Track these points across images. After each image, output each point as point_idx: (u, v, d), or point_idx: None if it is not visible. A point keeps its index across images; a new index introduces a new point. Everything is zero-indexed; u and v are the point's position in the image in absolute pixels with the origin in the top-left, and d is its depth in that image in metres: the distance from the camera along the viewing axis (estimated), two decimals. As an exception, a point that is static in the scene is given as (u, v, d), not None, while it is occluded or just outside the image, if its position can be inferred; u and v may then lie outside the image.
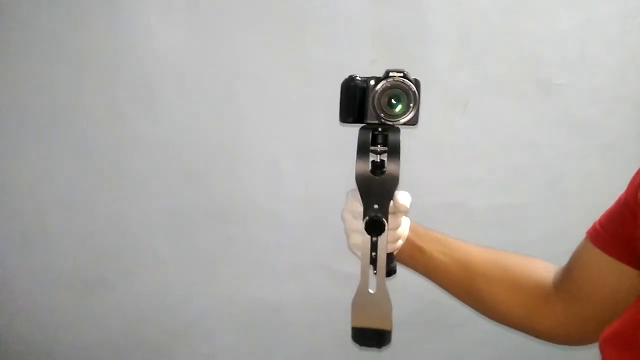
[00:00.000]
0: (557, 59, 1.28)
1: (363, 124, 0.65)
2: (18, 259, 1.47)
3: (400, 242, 0.69)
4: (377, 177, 0.60)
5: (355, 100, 0.64)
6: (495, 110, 1.31)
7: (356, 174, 0.60)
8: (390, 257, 0.71)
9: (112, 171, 1.39)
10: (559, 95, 1.29)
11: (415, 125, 0.65)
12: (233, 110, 1.33)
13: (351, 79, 0.66)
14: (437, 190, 1.37)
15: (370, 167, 0.60)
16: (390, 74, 0.62)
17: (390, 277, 0.70)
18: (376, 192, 0.60)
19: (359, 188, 0.61)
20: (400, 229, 0.68)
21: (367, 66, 1.27)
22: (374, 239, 0.60)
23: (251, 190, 1.38)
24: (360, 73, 1.30)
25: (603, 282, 0.61)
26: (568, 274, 0.66)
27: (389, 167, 0.60)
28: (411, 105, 0.61)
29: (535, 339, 0.70)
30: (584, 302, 0.64)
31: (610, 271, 0.60)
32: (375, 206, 0.60)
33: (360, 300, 0.61)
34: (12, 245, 1.46)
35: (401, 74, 0.62)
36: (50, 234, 1.44)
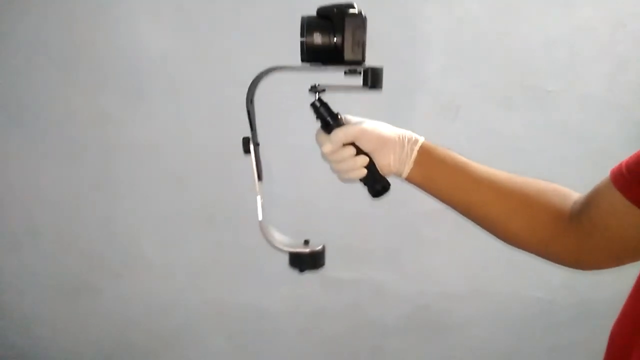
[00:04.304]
0: (548, 66, 1.28)
1: None
2: (6, 262, 1.45)
3: (361, 172, 0.73)
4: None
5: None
6: (487, 117, 1.32)
7: None
8: (373, 177, 0.75)
9: (101, 175, 1.38)
10: (550, 102, 1.30)
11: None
12: (222, 114, 1.33)
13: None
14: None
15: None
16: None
17: (379, 197, 0.74)
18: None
19: None
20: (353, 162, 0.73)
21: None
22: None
23: (241, 194, 1.37)
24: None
25: (618, 224, 0.61)
26: (585, 209, 0.66)
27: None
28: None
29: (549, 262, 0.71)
30: (596, 238, 0.64)
31: (625, 214, 0.60)
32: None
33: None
34: (0, 249, 1.45)
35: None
36: (39, 237, 1.43)
